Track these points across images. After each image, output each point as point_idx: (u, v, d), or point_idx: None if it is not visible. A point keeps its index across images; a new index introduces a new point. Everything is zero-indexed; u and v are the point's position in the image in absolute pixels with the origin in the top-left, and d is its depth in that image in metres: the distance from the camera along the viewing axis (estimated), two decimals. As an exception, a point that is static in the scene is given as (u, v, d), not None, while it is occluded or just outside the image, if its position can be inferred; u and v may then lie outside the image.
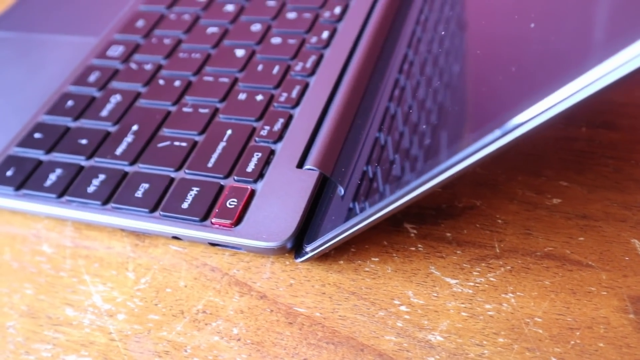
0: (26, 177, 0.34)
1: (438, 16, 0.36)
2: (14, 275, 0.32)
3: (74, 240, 0.33)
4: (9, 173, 0.35)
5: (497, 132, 0.20)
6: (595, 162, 0.31)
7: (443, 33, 0.30)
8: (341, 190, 0.30)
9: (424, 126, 0.25)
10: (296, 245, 0.29)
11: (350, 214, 0.26)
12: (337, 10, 0.41)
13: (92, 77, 0.40)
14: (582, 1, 0.21)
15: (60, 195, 0.33)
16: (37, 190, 0.33)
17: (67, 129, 0.37)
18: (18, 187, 0.34)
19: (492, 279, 0.28)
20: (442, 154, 0.22)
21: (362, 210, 0.26)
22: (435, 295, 0.28)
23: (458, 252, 0.29)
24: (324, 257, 0.30)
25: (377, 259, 0.29)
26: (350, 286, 0.28)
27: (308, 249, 0.28)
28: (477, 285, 0.28)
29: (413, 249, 0.29)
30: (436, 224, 0.30)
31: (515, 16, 0.25)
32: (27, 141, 0.37)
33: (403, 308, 0.27)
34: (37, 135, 0.37)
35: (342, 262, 0.29)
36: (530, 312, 0.26)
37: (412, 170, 0.24)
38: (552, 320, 0.26)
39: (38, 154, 0.36)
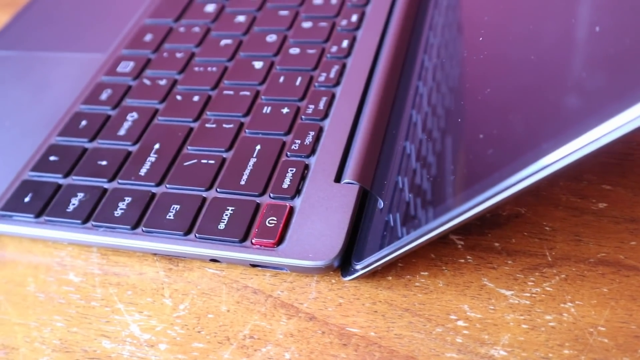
0: (46, 203, 0.33)
1: (460, 20, 0.35)
2: (41, 308, 0.30)
3: (102, 267, 0.31)
4: (27, 199, 0.33)
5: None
6: (636, 164, 0.31)
7: (481, 39, 0.30)
8: (381, 204, 0.30)
9: (480, 136, 0.24)
10: (342, 262, 0.28)
11: (406, 229, 0.26)
12: (354, 18, 0.40)
13: (104, 95, 0.38)
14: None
15: (86, 221, 0.32)
16: (59, 216, 0.32)
17: (84, 150, 0.35)
18: (38, 214, 0.32)
19: (548, 288, 0.27)
20: (508, 166, 0.21)
21: (418, 225, 0.25)
22: (492, 308, 0.27)
23: (509, 262, 0.28)
24: (371, 273, 0.29)
25: (426, 273, 0.28)
26: (402, 302, 0.28)
27: (358, 266, 0.27)
28: (533, 295, 0.27)
29: (462, 260, 0.29)
30: (483, 234, 0.29)
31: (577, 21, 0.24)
32: (42, 165, 0.35)
33: (460, 323, 0.27)
34: (52, 158, 0.35)
35: (390, 277, 0.28)
36: (592, 321, 0.26)
37: (471, 182, 0.23)
38: (616, 328, 0.25)
39: (56, 178, 0.34)
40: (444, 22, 0.37)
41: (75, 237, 0.31)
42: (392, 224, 0.27)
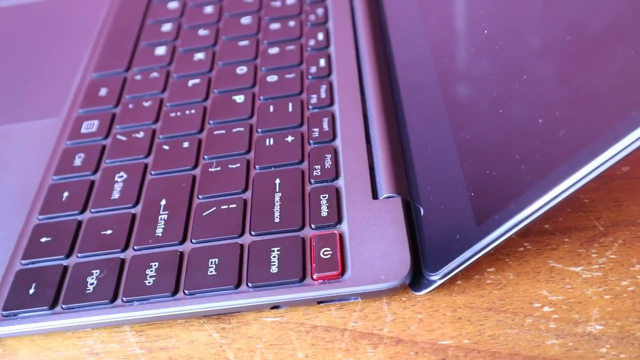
0: (58, 291, 0.29)
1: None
2: (89, 407, 0.26)
3: (143, 345, 0.28)
4: (31, 291, 0.29)
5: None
6: None
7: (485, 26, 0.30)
8: (421, 210, 0.29)
9: (540, 120, 0.25)
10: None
11: (479, 231, 0.25)
12: (321, 36, 0.39)
13: (78, 161, 0.35)
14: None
15: (114, 299, 0.28)
16: (80, 300, 0.28)
17: (79, 223, 0.32)
18: (53, 304, 0.28)
19: (612, 256, 0.28)
20: (587, 147, 0.22)
21: (497, 224, 0.24)
22: (570, 287, 0.27)
23: (565, 240, 0.29)
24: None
25: (493, 269, 0.28)
26: (482, 303, 0.27)
27: (435, 277, 0.27)
28: (602, 266, 0.27)
29: (521, 249, 0.29)
30: (529, 219, 0.30)
31: None
32: (33, 250, 0.31)
33: (546, 309, 0.26)
34: (43, 239, 0.31)
35: (459, 282, 0.28)
36: (666, 277, 0.27)
37: (550, 168, 0.23)
38: (688, 278, 0.27)
39: (57, 260, 0.30)
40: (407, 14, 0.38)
41: (105, 319, 0.28)
42: (462, 226, 0.26)
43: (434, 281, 0.27)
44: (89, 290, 0.29)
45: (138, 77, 0.40)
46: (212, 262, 0.28)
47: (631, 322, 0.26)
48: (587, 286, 0.27)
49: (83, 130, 0.37)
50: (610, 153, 0.21)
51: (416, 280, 0.28)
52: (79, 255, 0.30)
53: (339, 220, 0.29)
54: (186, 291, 0.28)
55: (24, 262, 0.30)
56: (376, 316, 0.27)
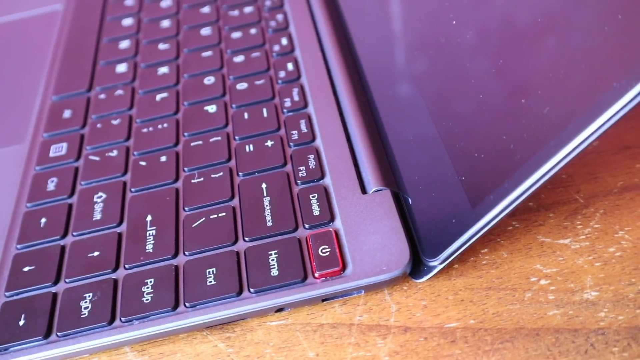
0: (50, 319, 0.28)
1: None
2: None
3: (147, 365, 0.27)
4: (21, 322, 0.28)
5: None
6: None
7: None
8: (409, 200, 0.30)
9: (523, 101, 0.26)
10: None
11: (475, 213, 0.26)
12: (285, 41, 0.39)
13: (51, 185, 0.34)
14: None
15: (112, 321, 0.27)
16: (76, 326, 0.27)
17: (63, 248, 0.31)
18: (47, 334, 0.27)
19: (596, 225, 0.29)
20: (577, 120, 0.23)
21: (493, 204, 0.25)
22: (562, 259, 0.28)
23: (550, 215, 0.30)
24: (436, 268, 0.29)
25: (486, 250, 0.29)
26: (481, 283, 0.28)
27: (435, 262, 0.27)
28: (588, 236, 0.29)
29: (510, 228, 0.30)
30: (513, 199, 0.31)
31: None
32: (17, 280, 0.30)
33: (543, 282, 0.27)
34: (26, 268, 0.30)
35: (456, 266, 0.29)
36: (648, 240, 0.28)
37: (537, 145, 0.24)
38: (669, 238, 0.28)
39: (45, 288, 0.29)
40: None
41: (104, 341, 0.27)
42: (457, 210, 0.27)
43: (434, 267, 0.27)
44: (84, 314, 0.28)
45: (102, 96, 0.39)
46: (209, 272, 0.28)
47: (623, 285, 0.27)
48: (577, 256, 0.28)
49: (52, 154, 0.35)
50: (599, 122, 0.22)
51: (415, 269, 0.28)
52: (67, 280, 0.29)
53: (332, 218, 0.29)
54: (187, 304, 0.27)
55: (8, 294, 0.29)
56: (380, 308, 0.28)
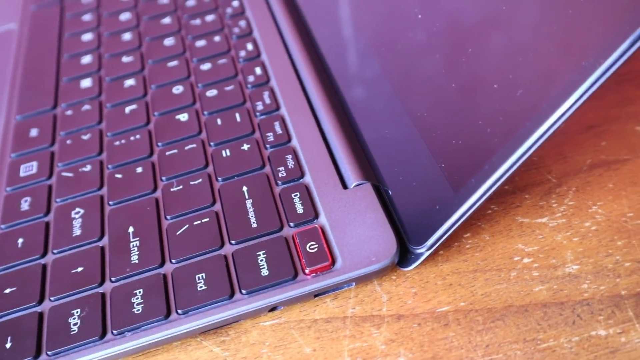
0: (38, 339, 0.27)
1: None
2: None
3: (143, 376, 0.27)
4: (8, 345, 0.27)
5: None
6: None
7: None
8: (389, 191, 0.30)
9: (495, 86, 0.26)
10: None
11: (459, 197, 0.27)
12: (250, 46, 0.40)
13: (25, 205, 0.33)
14: None
15: (103, 335, 0.27)
16: (67, 343, 0.27)
17: (44, 267, 0.30)
18: (37, 354, 0.27)
19: (570, 202, 0.30)
20: (550, 100, 0.24)
21: (475, 187, 0.26)
22: (541, 237, 0.29)
23: (526, 196, 0.31)
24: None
25: (468, 234, 0.30)
26: (468, 267, 0.28)
27: (422, 249, 0.28)
28: (564, 213, 0.30)
29: (489, 211, 0.30)
30: (488, 183, 0.32)
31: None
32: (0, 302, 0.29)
33: (526, 260, 0.28)
34: (8, 290, 0.29)
35: (442, 252, 0.29)
36: (620, 212, 0.29)
37: (514, 128, 0.25)
38: (639, 210, 0.29)
39: (30, 308, 0.28)
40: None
41: (98, 356, 0.27)
42: (440, 196, 0.28)
43: (422, 254, 0.28)
44: (74, 330, 0.27)
45: (69, 112, 0.38)
46: (199, 277, 0.28)
47: (602, 256, 0.28)
48: (555, 233, 0.29)
49: (22, 174, 0.35)
50: (572, 99, 0.23)
51: (402, 258, 0.29)
52: (52, 298, 0.29)
53: (316, 215, 0.30)
54: (180, 311, 0.27)
55: (-9, 317, 0.28)
56: (372, 299, 0.28)
